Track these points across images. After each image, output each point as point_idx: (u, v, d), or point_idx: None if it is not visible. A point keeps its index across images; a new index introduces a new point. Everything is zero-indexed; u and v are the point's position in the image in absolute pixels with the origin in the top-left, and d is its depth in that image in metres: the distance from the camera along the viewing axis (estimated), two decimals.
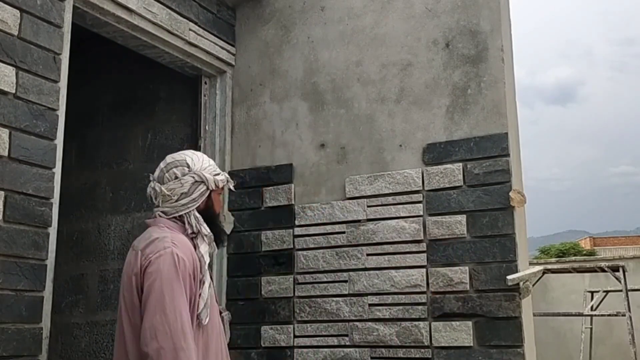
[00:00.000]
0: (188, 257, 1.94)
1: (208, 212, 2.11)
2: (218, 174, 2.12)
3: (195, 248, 2.03)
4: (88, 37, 2.83)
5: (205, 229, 2.07)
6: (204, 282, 2.00)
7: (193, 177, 2.08)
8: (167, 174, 2.11)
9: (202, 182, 2.08)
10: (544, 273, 2.27)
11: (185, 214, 2.08)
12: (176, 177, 2.10)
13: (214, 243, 2.12)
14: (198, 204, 2.08)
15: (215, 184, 2.09)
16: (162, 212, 2.11)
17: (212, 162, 2.17)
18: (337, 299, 2.87)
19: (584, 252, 22.18)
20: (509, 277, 2.54)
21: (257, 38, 3.34)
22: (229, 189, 2.38)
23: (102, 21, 2.68)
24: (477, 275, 2.62)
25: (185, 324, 1.83)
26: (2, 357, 2.05)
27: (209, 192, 2.10)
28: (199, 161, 2.11)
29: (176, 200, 2.09)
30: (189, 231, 2.05)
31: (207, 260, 2.04)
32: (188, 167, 2.10)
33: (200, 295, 1.97)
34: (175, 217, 2.09)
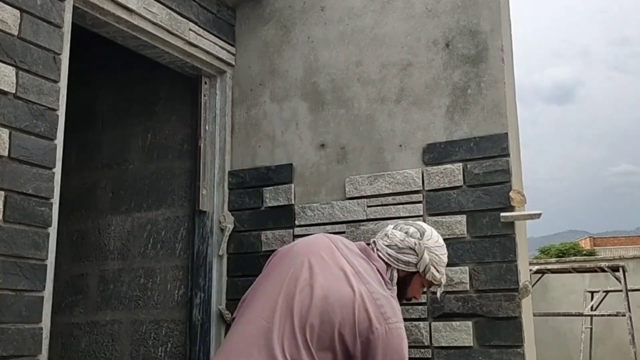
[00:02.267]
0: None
1: (398, 285, 2.06)
2: (437, 271, 2.06)
3: None
4: (88, 37, 2.83)
5: (394, 293, 2.02)
6: None
7: (415, 244, 2.08)
8: (405, 227, 2.16)
9: (416, 254, 2.06)
10: (538, 216, 2.28)
11: (388, 264, 2.06)
12: (407, 233, 2.13)
13: None
14: (398, 267, 2.06)
15: (424, 271, 2.05)
16: (376, 242, 2.12)
17: (445, 259, 2.14)
18: None
19: (584, 252, 22.18)
20: (503, 214, 2.57)
21: (257, 38, 3.34)
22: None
23: (102, 21, 2.68)
24: (477, 275, 2.62)
25: None
26: (2, 357, 2.05)
27: (414, 270, 2.06)
28: (433, 242, 2.10)
29: (387, 245, 2.09)
30: (386, 284, 2.00)
31: None
32: (421, 235, 2.11)
33: None
34: (382, 259, 2.07)
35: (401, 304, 2.05)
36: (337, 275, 1.91)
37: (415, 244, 2.07)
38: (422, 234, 2.11)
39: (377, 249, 2.09)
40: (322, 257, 1.96)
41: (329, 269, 1.93)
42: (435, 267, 2.06)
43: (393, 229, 2.16)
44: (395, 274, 2.05)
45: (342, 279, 1.90)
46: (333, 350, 1.81)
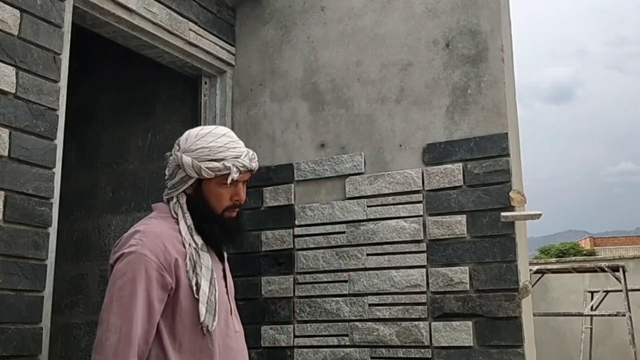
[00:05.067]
0: (159, 253, 1.68)
1: (196, 204, 1.80)
2: (213, 161, 1.76)
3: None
4: (88, 37, 2.83)
5: (186, 220, 1.78)
6: (197, 282, 1.72)
7: (173, 159, 1.83)
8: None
9: (179, 166, 1.80)
10: (537, 216, 2.26)
11: (168, 198, 1.84)
12: (170, 155, 1.87)
13: (209, 245, 1.81)
14: (179, 191, 1.80)
15: (198, 173, 1.76)
16: (165, 193, 1.87)
17: (220, 142, 1.80)
18: (337, 298, 2.87)
19: (584, 252, 22.19)
20: (503, 214, 2.57)
21: (257, 38, 3.34)
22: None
23: (102, 21, 2.68)
24: (477, 275, 2.62)
25: (127, 340, 1.59)
26: (2, 357, 2.05)
27: (193, 179, 1.79)
28: (191, 140, 1.82)
29: (166, 180, 1.86)
30: (174, 218, 1.79)
31: (202, 253, 1.76)
32: (178, 145, 1.84)
33: (199, 300, 1.70)
34: (167, 201, 1.85)
35: (230, 215, 1.85)
36: None
37: (175, 159, 1.81)
38: (179, 143, 1.85)
39: (165, 198, 1.88)
40: None
41: None
42: (207, 160, 1.76)
43: None
44: (182, 199, 1.79)
45: None
46: None
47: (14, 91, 2.18)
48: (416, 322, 2.70)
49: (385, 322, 2.76)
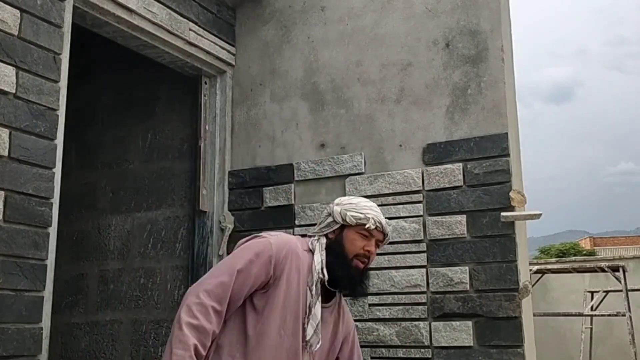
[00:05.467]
0: (279, 248, 2.02)
1: (335, 246, 2.13)
2: (355, 212, 2.13)
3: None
4: (88, 37, 2.83)
5: (321, 254, 2.11)
6: (311, 306, 2.03)
7: (327, 209, 2.20)
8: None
9: (330, 215, 2.17)
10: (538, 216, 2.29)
11: (314, 238, 2.18)
12: (325, 209, 2.26)
13: (332, 283, 2.11)
14: (323, 233, 2.16)
15: (343, 218, 2.13)
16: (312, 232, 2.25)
17: (364, 203, 2.19)
18: None
19: (584, 252, 22.18)
20: (503, 214, 2.58)
21: (257, 38, 3.34)
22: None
23: (102, 21, 2.68)
24: (477, 275, 2.62)
25: (217, 285, 1.90)
26: (2, 357, 2.05)
27: (337, 225, 2.15)
28: (345, 200, 2.21)
29: (316, 226, 2.23)
30: (307, 247, 2.14)
31: (317, 276, 2.06)
32: (333, 203, 2.22)
33: (308, 321, 2.02)
34: (309, 238, 2.20)
35: (358, 264, 2.13)
36: None
37: (328, 210, 2.20)
38: (334, 202, 2.22)
39: (309, 236, 2.24)
40: None
41: None
42: (351, 211, 2.14)
43: None
44: (323, 240, 2.15)
45: None
46: None
47: (14, 91, 2.18)
48: (416, 322, 2.70)
49: (385, 322, 2.76)
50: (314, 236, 2.19)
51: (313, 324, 2.02)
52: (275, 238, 2.06)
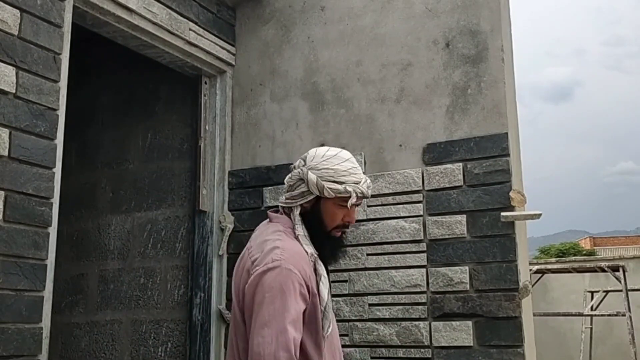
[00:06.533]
0: (302, 269, 1.79)
1: (311, 218, 1.93)
2: (336, 183, 1.88)
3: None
4: (88, 37, 2.83)
5: (300, 230, 1.90)
6: (322, 295, 1.84)
7: (299, 172, 1.94)
8: (296, 163, 2.00)
9: (303, 181, 1.92)
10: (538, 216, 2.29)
11: (288, 208, 1.96)
12: (293, 167, 1.99)
13: (320, 260, 1.89)
14: (297, 203, 1.93)
15: (320, 190, 1.88)
16: (282, 201, 1.99)
17: (344, 167, 1.93)
18: (337, 298, 2.87)
19: (584, 252, 22.19)
20: (503, 214, 2.57)
21: (257, 38, 3.34)
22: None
23: (102, 21, 2.68)
24: (477, 275, 2.62)
25: (285, 348, 1.68)
26: (2, 357, 2.05)
27: (313, 196, 1.91)
28: (317, 159, 1.93)
29: (286, 191, 1.98)
30: (294, 231, 1.91)
31: (322, 270, 1.88)
32: (304, 161, 1.96)
33: (322, 311, 1.83)
34: (286, 211, 1.97)
35: (336, 234, 1.98)
36: (238, 271, 1.93)
37: (300, 172, 1.93)
38: (305, 159, 1.96)
39: (280, 207, 2.01)
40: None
41: (237, 270, 1.94)
42: (331, 181, 1.88)
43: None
44: (297, 211, 1.92)
45: (241, 272, 1.89)
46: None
47: (14, 91, 2.18)
48: (416, 322, 2.70)
49: (385, 322, 2.76)
50: (292, 209, 1.95)
51: (327, 315, 1.86)
52: (287, 258, 1.80)
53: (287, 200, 1.97)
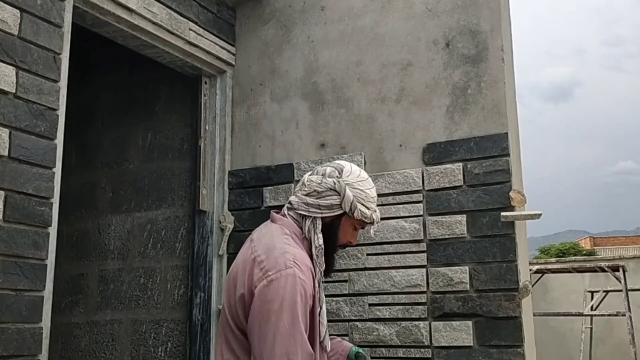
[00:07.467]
0: (309, 278, 1.79)
1: (328, 231, 1.93)
2: (365, 207, 1.91)
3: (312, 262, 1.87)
4: (88, 37, 2.83)
5: (318, 241, 1.89)
6: (321, 304, 1.87)
7: (334, 183, 1.91)
8: (321, 169, 1.98)
9: (338, 194, 1.90)
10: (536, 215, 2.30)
11: (305, 215, 1.92)
12: (323, 174, 1.96)
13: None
14: (322, 214, 1.91)
15: (351, 209, 1.89)
16: (290, 201, 1.96)
17: (372, 194, 1.97)
18: (337, 298, 2.87)
19: (584, 252, 22.20)
20: (503, 214, 2.56)
21: (257, 38, 3.34)
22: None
23: (102, 21, 2.68)
24: (477, 275, 2.62)
25: (306, 345, 1.71)
26: (2, 357, 2.05)
27: (341, 211, 1.91)
28: (354, 177, 1.94)
29: (307, 194, 1.93)
30: (304, 236, 1.91)
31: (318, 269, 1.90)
32: (340, 173, 1.94)
33: (320, 321, 1.86)
34: (297, 214, 1.94)
35: (338, 250, 2.03)
36: (237, 267, 1.90)
37: (335, 183, 1.91)
38: (341, 171, 1.94)
39: (287, 207, 1.99)
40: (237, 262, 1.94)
41: (236, 266, 1.93)
42: (362, 204, 1.91)
43: (310, 175, 2.00)
44: (319, 222, 1.91)
45: (239, 268, 1.88)
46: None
47: (14, 91, 2.18)
48: (416, 322, 2.70)
49: (385, 322, 2.76)
50: (308, 217, 1.92)
51: (324, 322, 1.89)
52: (299, 266, 1.78)
53: (311, 209, 1.93)
